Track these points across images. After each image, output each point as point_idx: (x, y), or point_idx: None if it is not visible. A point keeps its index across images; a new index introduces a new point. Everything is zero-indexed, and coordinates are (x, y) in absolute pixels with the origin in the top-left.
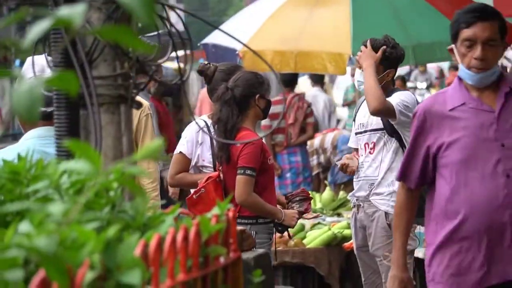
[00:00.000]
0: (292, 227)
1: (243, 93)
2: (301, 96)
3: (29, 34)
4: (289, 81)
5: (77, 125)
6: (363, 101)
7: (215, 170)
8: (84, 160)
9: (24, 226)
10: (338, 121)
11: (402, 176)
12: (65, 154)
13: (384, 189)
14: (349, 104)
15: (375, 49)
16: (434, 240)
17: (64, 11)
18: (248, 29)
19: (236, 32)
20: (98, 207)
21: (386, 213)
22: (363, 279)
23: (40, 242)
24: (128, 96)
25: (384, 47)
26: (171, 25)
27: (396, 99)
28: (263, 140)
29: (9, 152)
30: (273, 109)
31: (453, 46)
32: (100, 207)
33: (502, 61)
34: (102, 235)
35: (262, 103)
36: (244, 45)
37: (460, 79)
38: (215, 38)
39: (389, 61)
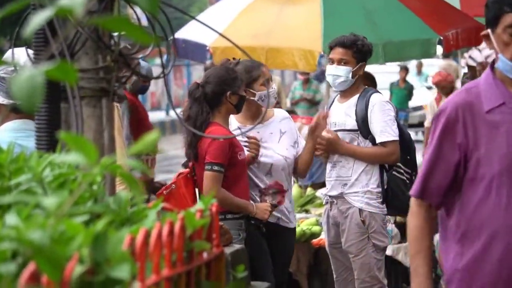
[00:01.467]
0: (265, 220)
1: (214, 90)
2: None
3: (30, 23)
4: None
5: (58, 119)
6: (334, 99)
7: None
8: (79, 152)
9: (11, 219)
10: None
11: (421, 192)
12: (45, 147)
13: (358, 189)
14: (297, 102)
15: (347, 45)
16: (459, 264)
17: (65, 0)
18: (219, 25)
19: (206, 28)
20: (82, 200)
21: (360, 210)
22: (335, 276)
23: (33, 235)
24: (110, 90)
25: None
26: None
27: (385, 126)
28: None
29: None
30: None
31: (488, 31)
32: (84, 201)
33: (468, 61)
34: (91, 229)
35: (234, 99)
36: (229, 40)
37: (493, 73)
38: (184, 33)
39: (362, 53)
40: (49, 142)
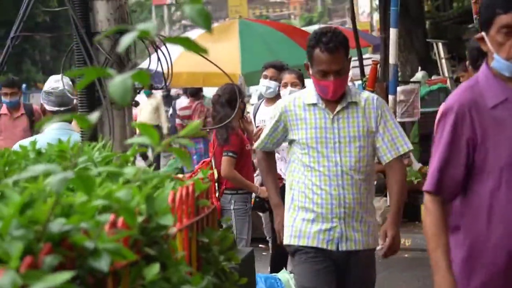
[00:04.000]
0: (267, 199)
1: (231, 98)
2: (202, 103)
3: (121, 43)
4: (195, 92)
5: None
6: (260, 104)
7: None
8: (146, 135)
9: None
10: None
11: (437, 188)
12: (87, 138)
13: None
14: None
15: (277, 67)
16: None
17: (141, 25)
18: (173, 55)
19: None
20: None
21: None
22: (263, 224)
23: (120, 194)
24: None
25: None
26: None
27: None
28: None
29: (40, 138)
30: (184, 112)
31: (483, 34)
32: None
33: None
34: (143, 190)
35: (242, 105)
36: (220, 68)
37: (491, 71)
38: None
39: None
40: (91, 134)
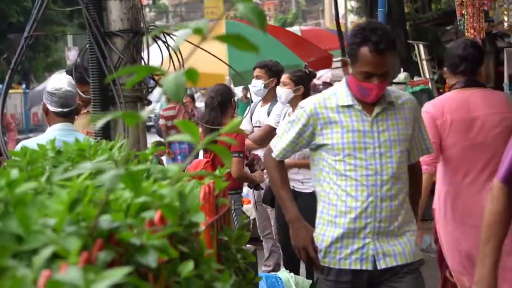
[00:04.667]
0: (263, 182)
1: (224, 99)
2: (187, 103)
3: (176, 41)
4: None
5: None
6: (257, 104)
7: None
8: (187, 133)
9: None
10: None
11: (508, 178)
12: (102, 136)
13: None
14: None
15: (261, 66)
16: None
17: (193, 24)
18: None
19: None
20: (141, 172)
21: None
22: (258, 223)
23: (163, 192)
24: (143, 97)
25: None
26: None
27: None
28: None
29: (41, 139)
30: (168, 113)
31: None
32: (142, 173)
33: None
34: (176, 188)
35: (234, 104)
36: (230, 66)
37: None
38: None
39: (272, 72)
40: (104, 133)
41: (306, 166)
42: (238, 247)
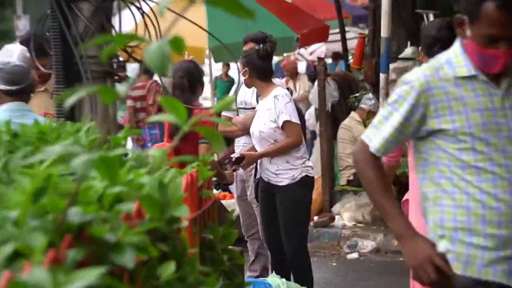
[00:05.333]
0: (232, 183)
1: (195, 79)
2: (158, 83)
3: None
4: (149, 69)
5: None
6: (242, 83)
7: None
8: (172, 113)
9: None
10: None
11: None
12: (63, 116)
13: None
14: None
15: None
16: None
17: None
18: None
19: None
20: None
21: None
22: (241, 221)
23: (144, 180)
24: (114, 72)
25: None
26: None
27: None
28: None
29: None
30: (136, 93)
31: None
32: (118, 159)
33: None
34: (154, 177)
35: (203, 85)
36: (213, 36)
37: None
38: None
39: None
40: (67, 114)
41: (279, 154)
42: (224, 247)
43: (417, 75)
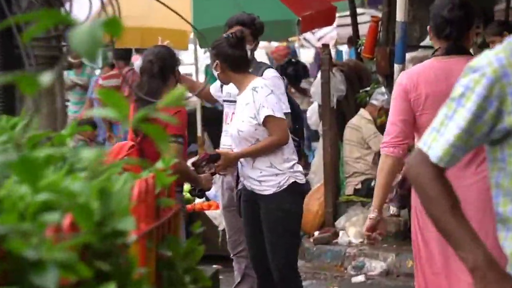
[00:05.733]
0: (209, 189)
1: (167, 65)
2: (135, 70)
3: None
4: (124, 55)
5: (13, 85)
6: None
7: None
8: (111, 107)
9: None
10: None
11: None
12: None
13: None
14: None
15: (247, 24)
16: None
17: None
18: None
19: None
20: (55, 159)
21: None
22: (227, 237)
23: (74, 187)
24: (62, 57)
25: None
26: None
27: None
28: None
29: None
30: (109, 82)
31: None
32: (56, 160)
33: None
34: (95, 184)
35: (178, 74)
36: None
37: None
38: None
39: (258, 32)
40: (5, 106)
41: (261, 155)
42: (187, 266)
43: (488, 60)
